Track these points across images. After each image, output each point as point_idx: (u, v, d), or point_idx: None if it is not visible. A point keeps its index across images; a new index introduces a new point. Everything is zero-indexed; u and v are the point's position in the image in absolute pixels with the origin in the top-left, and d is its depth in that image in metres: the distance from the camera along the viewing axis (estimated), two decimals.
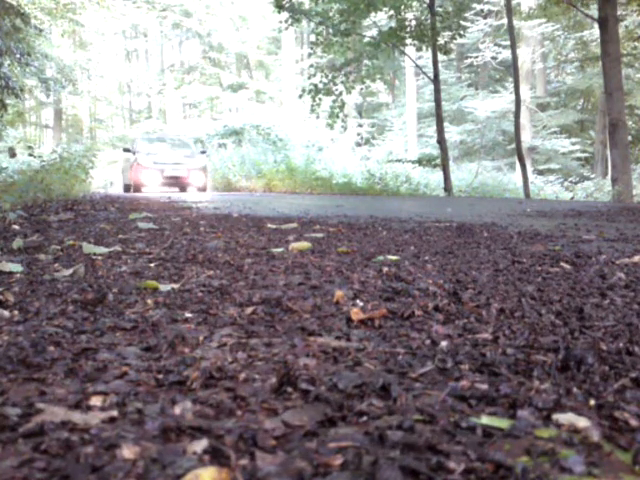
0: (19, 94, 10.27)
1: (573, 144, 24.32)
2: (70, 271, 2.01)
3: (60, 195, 6.53)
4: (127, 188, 16.87)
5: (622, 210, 6.06)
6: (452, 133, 23.67)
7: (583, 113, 27.03)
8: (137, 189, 15.12)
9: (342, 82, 14.43)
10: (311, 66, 15.89)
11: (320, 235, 3.26)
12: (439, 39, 13.29)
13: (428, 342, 1.22)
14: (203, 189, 15.59)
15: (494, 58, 24.35)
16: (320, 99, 14.33)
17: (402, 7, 13.71)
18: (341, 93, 14.42)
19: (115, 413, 0.83)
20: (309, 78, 15.28)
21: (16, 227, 3.67)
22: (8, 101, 10.68)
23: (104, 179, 12.55)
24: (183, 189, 15.91)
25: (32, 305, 1.53)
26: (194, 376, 0.97)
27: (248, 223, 4.07)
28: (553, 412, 0.84)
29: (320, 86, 14.25)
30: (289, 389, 0.94)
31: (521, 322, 1.38)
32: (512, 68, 13.94)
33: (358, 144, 24.81)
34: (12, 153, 9.26)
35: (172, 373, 1.01)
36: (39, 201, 5.78)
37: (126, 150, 16.61)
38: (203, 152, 16.68)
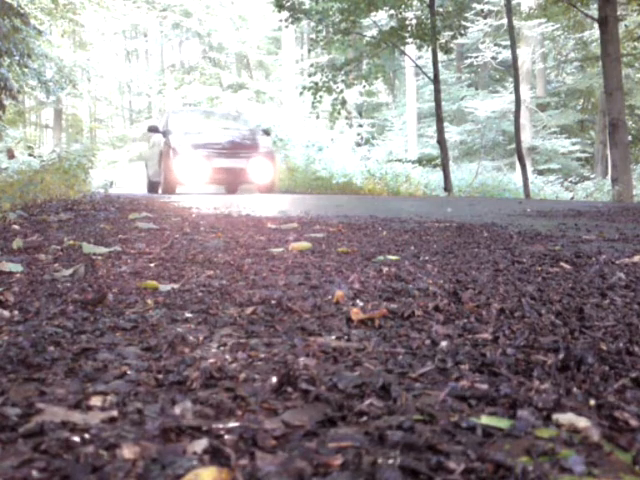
0: (16, 96, 10.26)
1: (573, 144, 24.34)
2: (70, 271, 2.01)
3: (60, 195, 6.53)
4: (153, 187, 11.65)
5: (622, 210, 6.06)
6: (452, 133, 23.68)
7: (583, 113, 27.04)
8: (169, 188, 10.06)
9: (342, 81, 14.43)
10: (311, 66, 15.84)
11: (320, 235, 3.26)
12: (439, 38, 13.31)
13: (428, 342, 1.22)
14: (269, 188, 10.49)
15: (494, 58, 24.35)
16: (321, 96, 14.31)
17: (402, 6, 13.72)
18: (342, 91, 14.42)
19: (115, 413, 0.83)
20: (310, 76, 15.18)
21: (16, 227, 3.67)
22: (6, 102, 10.67)
23: (104, 179, 11.87)
24: (235, 188, 11.13)
25: (32, 305, 1.53)
26: (194, 376, 0.97)
27: (248, 223, 4.07)
28: (553, 412, 0.84)
29: (320, 84, 14.25)
30: (289, 389, 0.94)
31: (521, 322, 1.38)
32: (512, 68, 13.94)
33: (358, 144, 24.81)
34: (10, 154, 9.17)
35: (172, 373, 1.01)
36: (39, 201, 5.78)
37: (152, 130, 10.90)
38: (266, 132, 11.41)
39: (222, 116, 12.44)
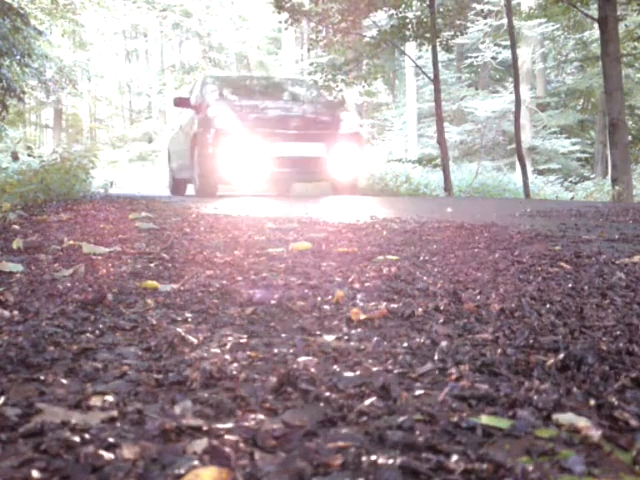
0: (21, 97, 10.25)
1: (573, 144, 24.32)
2: (70, 271, 2.01)
3: (60, 195, 6.53)
4: (178, 186, 8.77)
5: (622, 210, 6.06)
6: (452, 133, 23.65)
7: (583, 113, 27.03)
8: (208, 187, 7.03)
9: (342, 80, 14.42)
10: (311, 64, 15.82)
11: (320, 235, 3.26)
12: (440, 36, 13.30)
13: (428, 342, 1.22)
14: (353, 187, 7.78)
15: (494, 58, 24.34)
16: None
17: (402, 6, 13.72)
18: (342, 90, 14.42)
19: (115, 413, 0.83)
20: (310, 74, 15.15)
21: (16, 227, 3.67)
22: (8, 102, 10.68)
23: (104, 179, 11.67)
24: (288, 188, 8.37)
25: (32, 305, 1.53)
26: (194, 376, 0.97)
27: (248, 223, 4.07)
28: (553, 412, 0.84)
29: (320, 83, 14.24)
30: (289, 389, 0.94)
31: (521, 322, 1.38)
32: (512, 68, 13.94)
33: None
34: (15, 157, 9.31)
35: (172, 373, 1.01)
36: (39, 201, 5.78)
37: (180, 103, 7.57)
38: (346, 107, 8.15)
39: (281, 83, 8.83)
